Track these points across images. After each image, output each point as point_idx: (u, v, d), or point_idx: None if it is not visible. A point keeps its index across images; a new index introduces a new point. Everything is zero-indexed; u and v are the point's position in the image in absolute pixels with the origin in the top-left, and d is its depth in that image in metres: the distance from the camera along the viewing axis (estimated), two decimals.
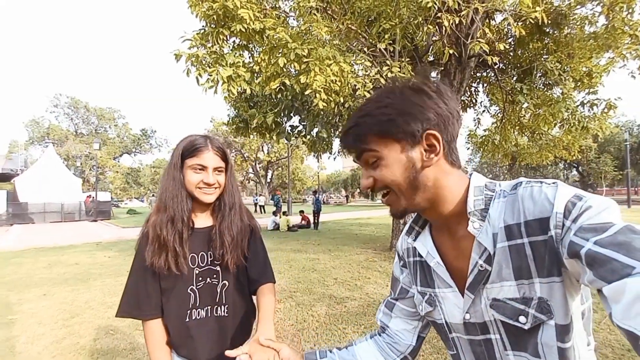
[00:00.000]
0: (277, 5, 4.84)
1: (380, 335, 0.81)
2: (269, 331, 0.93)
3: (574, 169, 38.29)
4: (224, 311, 1.07)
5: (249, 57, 4.63)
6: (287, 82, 3.95)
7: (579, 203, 0.48)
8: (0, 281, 5.47)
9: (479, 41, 3.72)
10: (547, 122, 6.43)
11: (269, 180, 44.85)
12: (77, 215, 20.39)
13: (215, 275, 1.07)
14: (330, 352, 0.77)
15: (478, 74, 8.49)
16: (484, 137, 8.01)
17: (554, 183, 0.53)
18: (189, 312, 1.03)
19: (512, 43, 7.03)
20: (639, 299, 0.35)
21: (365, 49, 4.28)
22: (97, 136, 35.15)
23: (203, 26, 4.14)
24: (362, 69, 4.33)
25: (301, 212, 14.51)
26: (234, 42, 4.71)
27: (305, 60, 3.76)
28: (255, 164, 42.52)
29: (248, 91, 3.80)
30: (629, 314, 0.36)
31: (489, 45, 3.96)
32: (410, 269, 0.74)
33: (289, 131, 6.70)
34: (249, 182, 52.17)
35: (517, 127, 7.75)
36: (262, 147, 41.14)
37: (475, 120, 8.06)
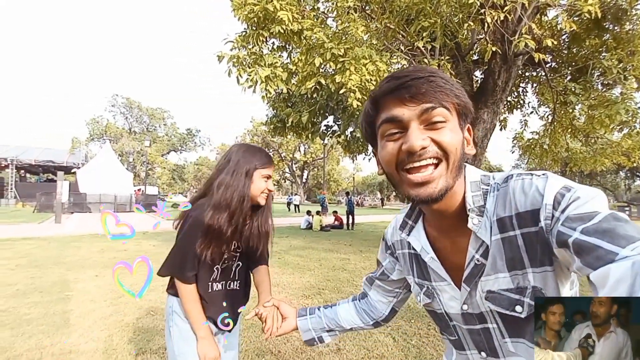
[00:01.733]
0: (315, 7, 4.92)
1: (360, 300, 0.90)
2: (268, 297, 1.16)
3: (638, 178, 34.50)
4: (235, 285, 1.31)
5: (287, 58, 4.75)
6: (323, 82, 4.00)
7: (567, 194, 0.49)
8: (61, 261, 6.10)
9: (524, 37, 3.50)
10: (603, 124, 5.88)
11: (304, 180, 45.43)
12: (128, 206, 22.08)
13: (234, 258, 1.29)
14: (318, 309, 0.91)
15: (527, 73, 7.99)
16: (531, 141, 7.51)
17: (543, 175, 0.53)
18: (209, 284, 1.24)
19: (566, 40, 6.53)
20: (621, 283, 0.36)
21: (403, 48, 4.21)
22: (148, 134, 37.88)
23: (245, 29, 4.32)
24: (399, 69, 4.26)
25: (334, 212, 14.54)
26: (273, 43, 4.86)
27: (341, 59, 3.79)
28: (292, 164, 43.28)
29: (285, 90, 3.91)
30: (609, 292, 0.37)
31: (536, 42, 3.70)
32: (404, 260, 0.75)
33: (324, 131, 6.76)
34: (284, 182, 53.22)
35: (568, 130, 7.17)
36: (299, 148, 41.80)
37: (522, 122, 7.58)
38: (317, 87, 3.96)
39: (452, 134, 0.54)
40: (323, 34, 3.77)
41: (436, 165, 0.54)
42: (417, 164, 0.53)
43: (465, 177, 0.60)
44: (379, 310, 0.86)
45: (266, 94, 3.93)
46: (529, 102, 7.87)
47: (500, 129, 7.75)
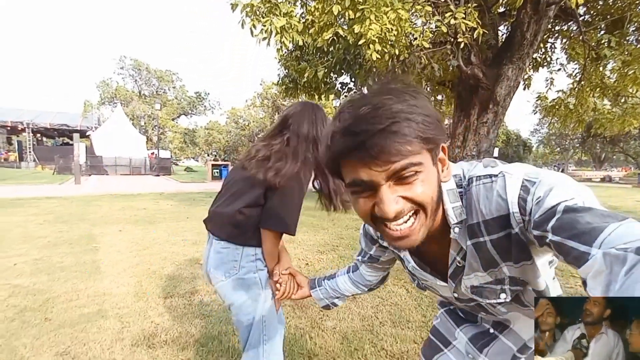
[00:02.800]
0: None
1: (353, 272, 0.99)
2: (287, 263, 1.21)
3: None
4: None
5: (302, 7, 4.48)
6: (341, 33, 3.79)
7: (528, 197, 0.49)
8: (84, 218, 6.36)
9: None
10: (636, 82, 5.52)
11: None
12: (143, 169, 22.56)
13: None
14: (324, 281, 1.03)
15: (557, 27, 7.43)
16: (556, 100, 7.15)
17: (500, 174, 0.53)
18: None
19: None
20: (599, 274, 0.37)
21: None
22: (157, 98, 37.61)
23: None
24: (421, 16, 3.99)
25: None
26: None
27: (360, 7, 3.56)
28: None
29: (300, 42, 3.73)
30: (591, 284, 0.39)
31: None
32: (393, 254, 0.81)
33: (339, 89, 6.56)
34: None
35: (597, 89, 6.77)
36: None
37: (547, 80, 7.17)
38: (335, 38, 3.77)
39: (425, 185, 0.50)
40: None
41: (415, 214, 0.51)
42: (392, 222, 0.51)
43: (442, 194, 0.57)
44: (370, 281, 0.97)
45: (281, 47, 3.77)
46: (557, 58, 7.39)
47: (524, 88, 7.38)
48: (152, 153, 26.42)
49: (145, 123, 37.26)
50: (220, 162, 18.77)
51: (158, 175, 21.92)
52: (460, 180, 0.59)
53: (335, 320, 2.48)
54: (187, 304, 2.71)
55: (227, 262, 1.16)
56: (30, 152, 27.87)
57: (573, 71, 7.12)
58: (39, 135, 33.40)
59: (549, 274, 0.63)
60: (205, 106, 44.51)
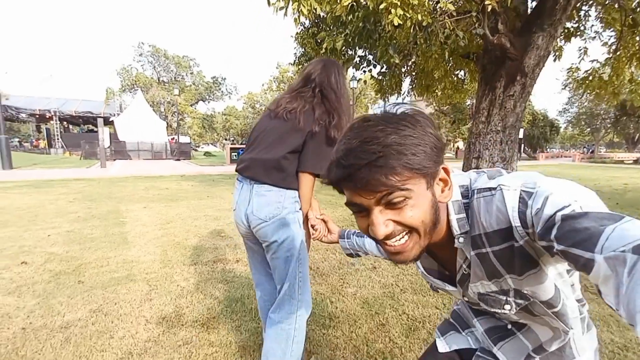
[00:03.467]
0: None
1: None
2: (318, 209, 1.34)
3: None
4: None
5: None
6: None
7: (527, 211, 0.50)
8: (111, 197, 6.61)
9: None
10: None
11: None
12: (164, 154, 23.13)
13: None
14: (354, 235, 1.08)
15: None
16: (589, 71, 6.71)
17: (497, 187, 0.55)
18: None
19: None
20: (608, 279, 0.38)
21: None
22: (176, 84, 38.06)
23: None
24: None
25: None
26: None
27: None
28: None
29: (319, 10, 3.61)
30: (605, 292, 0.39)
31: None
32: None
33: (357, 61, 6.38)
34: None
35: (634, 58, 6.28)
36: None
37: (580, 50, 6.70)
38: (354, 3, 3.61)
39: (415, 210, 0.53)
40: None
41: (409, 234, 0.55)
42: (387, 240, 0.55)
43: (447, 207, 0.61)
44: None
45: (299, 16, 3.66)
46: (592, 25, 6.86)
47: (555, 59, 6.93)
48: (173, 138, 26.98)
49: (164, 109, 37.92)
50: (238, 146, 18.96)
51: (179, 160, 22.43)
52: (467, 190, 0.61)
53: (355, 287, 2.48)
54: (211, 270, 2.78)
55: (271, 203, 1.24)
56: (58, 139, 29.06)
57: (609, 39, 6.62)
58: (65, 122, 34.69)
59: (565, 283, 0.62)
60: (222, 91, 44.72)
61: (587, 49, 6.65)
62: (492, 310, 0.67)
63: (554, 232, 0.45)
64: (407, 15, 3.46)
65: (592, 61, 6.62)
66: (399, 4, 3.28)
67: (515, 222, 0.52)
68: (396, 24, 3.36)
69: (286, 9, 3.68)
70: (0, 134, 13.11)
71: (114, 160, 20.53)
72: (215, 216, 4.86)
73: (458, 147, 30.73)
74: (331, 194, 6.90)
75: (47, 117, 30.05)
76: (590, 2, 7.12)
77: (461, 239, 0.61)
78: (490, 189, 0.56)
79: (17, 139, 41.71)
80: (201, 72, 43.87)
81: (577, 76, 7.03)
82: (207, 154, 30.71)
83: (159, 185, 8.58)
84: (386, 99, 10.16)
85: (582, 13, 7.22)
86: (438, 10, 3.76)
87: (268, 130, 1.29)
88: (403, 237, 0.55)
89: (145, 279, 2.58)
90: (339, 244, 1.13)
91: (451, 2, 3.52)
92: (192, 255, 3.16)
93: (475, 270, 0.63)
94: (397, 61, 4.62)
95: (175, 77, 42.11)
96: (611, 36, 6.60)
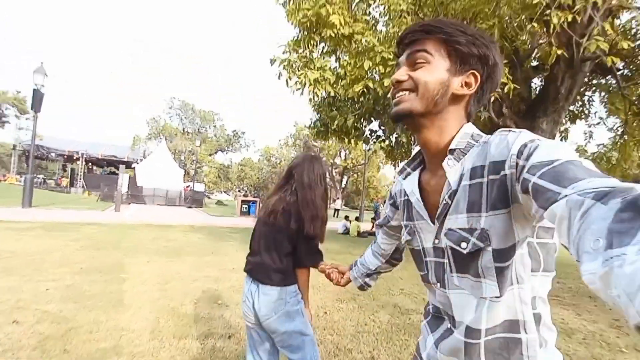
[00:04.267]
0: (367, 11, 4.92)
1: (373, 244, 1.12)
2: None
3: None
4: None
5: (335, 62, 4.79)
6: (371, 85, 3.97)
7: (530, 144, 0.53)
8: (119, 246, 6.66)
9: (596, 39, 3.17)
10: None
11: (343, 185, 45.33)
12: (178, 201, 23.59)
13: None
14: (357, 261, 1.16)
15: (594, 81, 7.28)
16: (596, 154, 6.81)
17: (520, 131, 0.59)
18: None
19: None
20: (562, 221, 0.40)
21: None
22: (199, 135, 40.29)
23: (297, 33, 4.45)
24: None
25: (372, 219, 14.32)
26: (323, 47, 4.94)
27: (390, 63, 3.74)
28: (332, 169, 43.40)
29: (332, 93, 3.94)
30: (559, 233, 0.41)
31: (610, 45, 3.33)
32: (400, 207, 0.87)
33: (368, 135, 6.70)
34: None
35: None
36: (340, 153, 41.84)
37: (586, 133, 6.89)
38: (365, 90, 3.94)
39: (426, 72, 0.66)
40: (373, 38, 3.74)
41: (412, 92, 0.67)
42: (396, 92, 0.70)
43: (461, 127, 0.69)
44: (386, 250, 1.07)
45: (313, 97, 3.99)
46: (596, 112, 7.15)
47: (561, 140, 7.12)
48: (188, 186, 27.74)
49: (185, 157, 39.67)
50: (249, 199, 19.25)
51: (190, 207, 22.78)
52: (480, 137, 0.67)
53: None
54: (200, 347, 2.67)
55: (275, 300, 1.43)
56: (80, 179, 30.33)
57: (614, 125, 6.82)
58: (90, 164, 36.47)
59: (524, 242, 0.61)
60: (240, 144, 46.85)
61: (593, 132, 6.84)
62: (451, 245, 0.67)
63: (544, 169, 0.46)
64: None
65: (599, 145, 6.76)
66: None
67: (513, 150, 0.55)
68: None
69: (302, 90, 4.03)
70: (28, 173, 13.85)
71: (129, 204, 21.02)
72: (215, 277, 4.78)
73: None
74: (335, 260, 6.76)
75: (75, 157, 31.74)
76: (594, 89, 7.50)
77: (451, 162, 0.66)
78: (511, 130, 0.60)
79: (42, 176, 43.73)
80: (223, 125, 46.52)
81: (586, 157, 7.13)
82: (219, 202, 31.19)
83: (167, 235, 8.64)
84: (396, 164, 10.40)
85: (585, 98, 7.57)
86: None
87: (263, 237, 1.52)
88: (406, 92, 0.67)
89: (131, 352, 2.48)
90: (350, 277, 1.19)
91: None
92: (184, 325, 3.06)
93: (458, 201, 0.65)
94: (404, 140, 4.86)
95: (199, 129, 44.68)
96: (616, 122, 6.81)
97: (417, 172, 0.80)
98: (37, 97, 13.90)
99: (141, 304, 3.52)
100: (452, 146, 0.67)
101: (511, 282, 0.62)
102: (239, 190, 50.19)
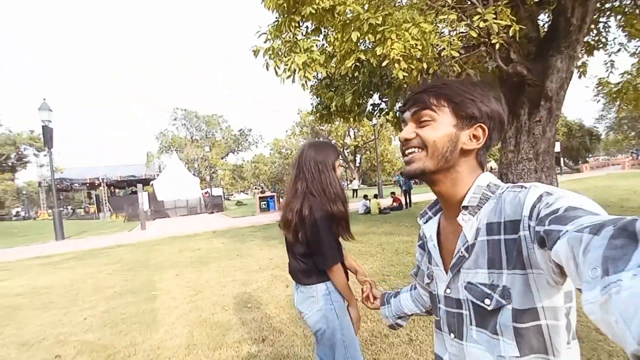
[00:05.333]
0: None
1: (413, 290, 1.03)
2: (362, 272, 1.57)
3: None
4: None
5: (323, 40, 4.54)
6: (363, 57, 3.72)
7: (538, 204, 0.54)
8: (147, 263, 6.81)
9: None
10: None
11: (357, 164, 44.94)
12: (199, 208, 24.07)
13: None
14: (392, 297, 1.07)
15: (607, 5, 6.65)
16: (621, 84, 6.28)
17: (529, 186, 0.59)
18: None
19: None
20: (569, 261, 0.41)
21: (450, 1, 3.71)
22: (207, 140, 40.65)
23: (276, 17, 4.21)
24: (447, 26, 3.78)
25: (392, 193, 14.10)
26: (307, 27, 4.68)
27: (380, 29, 3.47)
28: (343, 150, 43.01)
29: (324, 74, 3.73)
30: (570, 275, 0.42)
31: None
32: (425, 249, 0.85)
33: (370, 110, 6.43)
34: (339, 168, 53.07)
35: None
36: (348, 132, 41.29)
37: (606, 63, 6.34)
38: (358, 64, 3.69)
39: (433, 131, 0.67)
40: (357, 5, 3.48)
41: (421, 149, 0.68)
42: (405, 149, 0.70)
43: (476, 180, 0.69)
44: (425, 301, 0.98)
45: (305, 82, 3.79)
46: (614, 38, 6.54)
47: (579, 76, 6.60)
48: (206, 192, 28.20)
49: (198, 165, 40.24)
50: (267, 194, 19.35)
51: (212, 213, 23.19)
52: (496, 188, 0.67)
53: None
54: (236, 355, 2.65)
55: (308, 298, 1.48)
56: (105, 203, 31.40)
57: (637, 49, 6.23)
58: (112, 187, 37.63)
59: (548, 306, 0.59)
60: (249, 142, 47.00)
61: (614, 61, 6.29)
62: (473, 300, 0.66)
63: (552, 217, 0.48)
64: (412, 66, 3.47)
65: (623, 73, 6.21)
66: (401, 58, 3.30)
67: (526, 212, 0.56)
68: (401, 77, 3.37)
69: (293, 77, 3.83)
70: (54, 208, 14.39)
71: (154, 219, 21.62)
72: (243, 281, 4.79)
73: (491, 168, 29.42)
74: (360, 242, 6.68)
75: (96, 184, 32.79)
76: (608, 13, 6.86)
77: (466, 217, 0.67)
78: (522, 186, 0.61)
79: (71, 207, 45.58)
80: (229, 127, 46.69)
81: (610, 89, 6.60)
82: (238, 203, 31.63)
83: (192, 245, 8.78)
84: None
85: (600, 25, 6.95)
86: (443, 56, 3.73)
87: (286, 241, 1.58)
88: (415, 150, 0.68)
89: None
90: (380, 310, 1.12)
91: (454, 49, 3.48)
92: (217, 335, 3.05)
93: (477, 256, 0.65)
94: None
95: (206, 135, 45.05)
96: (637, 46, 6.22)
97: (437, 217, 0.81)
98: (47, 133, 14.26)
99: (174, 319, 3.55)
100: (465, 203, 0.67)
101: (546, 351, 0.60)
102: (256, 188, 50.76)
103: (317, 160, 1.49)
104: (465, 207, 0.67)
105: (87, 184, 33.83)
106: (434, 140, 0.66)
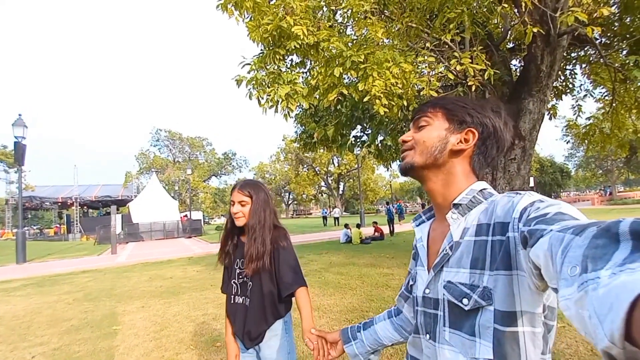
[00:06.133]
0: (331, 17, 4.79)
1: (396, 317, 0.97)
2: (310, 324, 1.35)
3: None
4: (247, 302, 1.50)
5: (307, 73, 4.64)
6: (345, 92, 3.80)
7: (530, 207, 0.56)
8: (112, 292, 6.36)
9: (572, 10, 3.03)
10: None
11: (341, 192, 45.12)
12: (176, 232, 23.21)
13: (246, 277, 1.51)
14: (359, 331, 0.98)
15: (573, 54, 7.19)
16: (588, 127, 6.66)
17: (525, 193, 0.60)
18: (232, 297, 1.55)
19: (617, 10, 5.78)
20: (547, 261, 0.43)
21: (429, 45, 3.90)
22: (189, 163, 40.06)
23: (262, 49, 4.29)
24: (426, 67, 3.94)
25: (374, 223, 14.07)
26: (291, 60, 4.78)
27: (362, 66, 3.57)
28: (327, 177, 43.26)
29: (306, 106, 3.76)
30: (548, 277, 0.45)
31: (588, 15, 3.19)
32: (415, 254, 0.86)
33: (353, 142, 6.53)
34: (322, 195, 53.20)
35: (633, 110, 6.26)
36: (332, 160, 41.76)
37: (574, 107, 6.75)
38: (340, 98, 3.76)
39: (426, 132, 0.74)
40: (341, 43, 3.59)
41: (414, 149, 0.75)
42: (403, 150, 0.79)
43: (472, 184, 0.71)
44: (413, 325, 0.91)
45: (288, 112, 3.81)
46: (581, 84, 7.02)
47: (550, 118, 6.98)
48: (185, 215, 27.35)
49: (179, 187, 39.34)
50: None
51: (190, 237, 22.40)
52: (490, 195, 0.69)
53: None
54: None
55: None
56: (76, 224, 29.87)
57: (602, 96, 6.69)
58: (85, 207, 36.03)
59: (530, 314, 0.59)
60: (233, 165, 46.65)
61: (581, 106, 6.71)
62: (450, 299, 0.66)
63: (539, 219, 0.50)
64: (393, 103, 3.56)
65: (589, 117, 6.62)
66: (382, 95, 3.38)
67: (516, 214, 0.57)
68: (382, 112, 3.43)
69: (276, 107, 3.85)
70: (19, 229, 13.51)
71: (127, 242, 20.63)
72: (214, 315, 4.51)
73: None
74: (340, 274, 6.52)
75: (69, 203, 31.36)
76: (574, 62, 7.41)
77: (455, 215, 0.69)
78: (518, 193, 0.62)
79: (39, 227, 43.08)
80: (214, 149, 46.37)
81: (578, 131, 6.99)
82: (218, 228, 30.75)
83: (164, 273, 8.33)
84: (389, 166, 10.22)
85: (567, 72, 7.47)
86: (422, 95, 3.86)
87: None
88: (410, 150, 0.76)
89: None
90: (345, 350, 0.99)
91: (433, 90, 3.61)
92: None
93: (462, 255, 0.65)
94: (389, 143, 4.69)
95: (189, 157, 44.49)
96: (602, 92, 6.69)
97: (429, 222, 0.83)
98: (19, 150, 13.68)
99: (133, 359, 3.25)
100: (456, 201, 0.70)
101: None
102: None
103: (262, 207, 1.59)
104: (456, 206, 0.69)
105: (59, 203, 32.30)
106: (424, 140, 0.74)
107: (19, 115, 13.68)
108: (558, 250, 0.39)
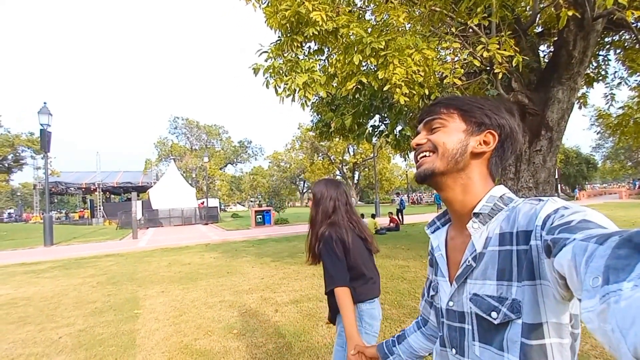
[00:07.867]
0: (351, 1, 4.62)
1: (424, 326, 0.96)
2: (349, 333, 1.43)
3: None
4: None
5: (325, 60, 4.52)
6: (365, 80, 3.68)
7: (553, 215, 0.53)
8: (134, 277, 6.58)
9: None
10: None
11: (356, 181, 44.91)
12: (193, 219, 23.75)
13: None
14: (394, 346, 0.98)
15: (607, 39, 6.74)
16: (621, 116, 6.29)
17: (547, 199, 0.58)
18: None
19: None
20: (571, 271, 0.41)
21: (453, 30, 3.71)
22: (206, 150, 40.63)
23: (279, 36, 4.19)
24: (450, 54, 3.76)
25: (389, 213, 13.96)
26: (309, 47, 4.67)
27: (382, 53, 3.44)
28: (342, 166, 43.08)
29: (324, 94, 3.67)
30: (573, 287, 0.43)
31: None
32: (433, 261, 0.83)
33: (370, 132, 6.39)
34: None
35: None
36: (348, 149, 41.46)
37: (607, 96, 6.36)
38: (359, 86, 3.65)
39: (443, 135, 0.69)
40: (361, 29, 3.46)
41: (432, 152, 0.70)
42: (417, 155, 0.74)
43: (490, 190, 0.68)
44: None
45: (305, 101, 3.74)
46: (615, 71, 6.59)
47: (580, 107, 6.61)
48: (202, 202, 27.93)
49: (196, 175, 40.09)
50: (263, 208, 19.15)
51: (207, 224, 22.89)
52: (510, 201, 0.66)
53: None
54: None
55: None
56: (100, 209, 31.02)
57: (638, 84, 6.27)
58: (107, 193, 37.32)
59: (556, 324, 0.57)
60: (248, 153, 47.05)
61: (614, 94, 6.32)
62: (478, 312, 0.63)
63: (564, 227, 0.48)
64: (414, 92, 3.43)
65: (622, 107, 6.23)
66: (403, 84, 3.25)
67: (539, 222, 0.54)
68: (402, 102, 3.32)
69: (293, 96, 3.78)
70: (46, 213, 14.14)
71: (147, 228, 21.29)
72: (231, 302, 4.59)
73: None
74: None
75: (92, 189, 32.54)
76: (608, 47, 6.95)
77: (476, 225, 0.65)
78: (540, 199, 0.60)
79: (64, 211, 45.03)
80: (230, 137, 46.81)
81: (609, 122, 6.61)
82: (234, 215, 31.30)
83: (182, 259, 8.56)
84: (406, 156, 10.02)
85: (600, 58, 7.03)
86: (445, 83, 3.69)
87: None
88: (426, 153, 0.71)
89: None
90: None
91: (456, 76, 3.44)
92: None
93: (487, 266, 0.63)
94: (408, 133, 4.55)
95: (206, 145, 45.09)
96: (638, 80, 6.27)
97: (445, 228, 0.80)
98: (45, 137, 14.17)
99: (153, 344, 3.35)
100: (476, 210, 0.66)
101: None
102: (252, 200, 50.44)
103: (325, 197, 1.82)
104: (476, 215, 0.65)
105: (83, 189, 33.54)
106: (444, 142, 0.69)
107: (44, 103, 14.12)
108: (582, 260, 0.38)
